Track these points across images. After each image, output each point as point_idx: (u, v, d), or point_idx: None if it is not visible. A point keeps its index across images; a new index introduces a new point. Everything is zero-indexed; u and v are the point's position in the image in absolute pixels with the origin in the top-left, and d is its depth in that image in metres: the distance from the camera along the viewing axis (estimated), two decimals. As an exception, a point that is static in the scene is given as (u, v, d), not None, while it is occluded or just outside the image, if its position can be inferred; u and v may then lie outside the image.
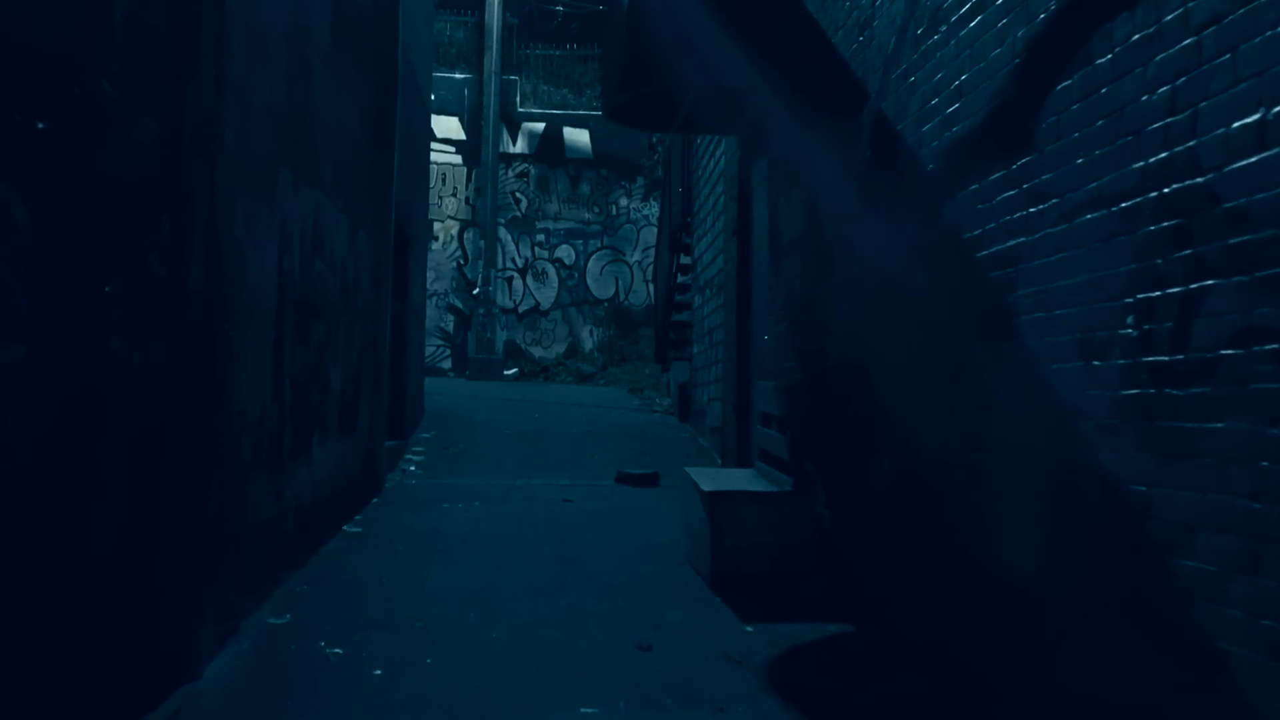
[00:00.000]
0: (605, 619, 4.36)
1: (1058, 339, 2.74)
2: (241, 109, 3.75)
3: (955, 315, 3.47)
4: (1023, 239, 2.98)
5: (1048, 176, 2.84)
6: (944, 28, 3.61)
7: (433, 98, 16.59)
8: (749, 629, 4.23)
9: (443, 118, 17.04)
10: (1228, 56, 2.18)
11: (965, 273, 3.35)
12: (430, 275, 16.86)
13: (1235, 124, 2.16)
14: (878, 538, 4.26)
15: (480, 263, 16.91)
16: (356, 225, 6.31)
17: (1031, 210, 2.93)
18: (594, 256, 17.42)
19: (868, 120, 4.22)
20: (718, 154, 9.31)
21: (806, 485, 4.84)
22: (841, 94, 4.71)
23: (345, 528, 6.08)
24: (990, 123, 3.20)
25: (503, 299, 17.16)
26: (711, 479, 5.26)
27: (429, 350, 16.78)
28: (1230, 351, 2.15)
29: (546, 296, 17.32)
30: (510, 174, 17.30)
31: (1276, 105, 2.06)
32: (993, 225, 3.17)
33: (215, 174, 3.44)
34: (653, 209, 17.39)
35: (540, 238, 17.33)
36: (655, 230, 17.25)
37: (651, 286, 17.22)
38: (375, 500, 7.05)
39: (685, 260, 12.52)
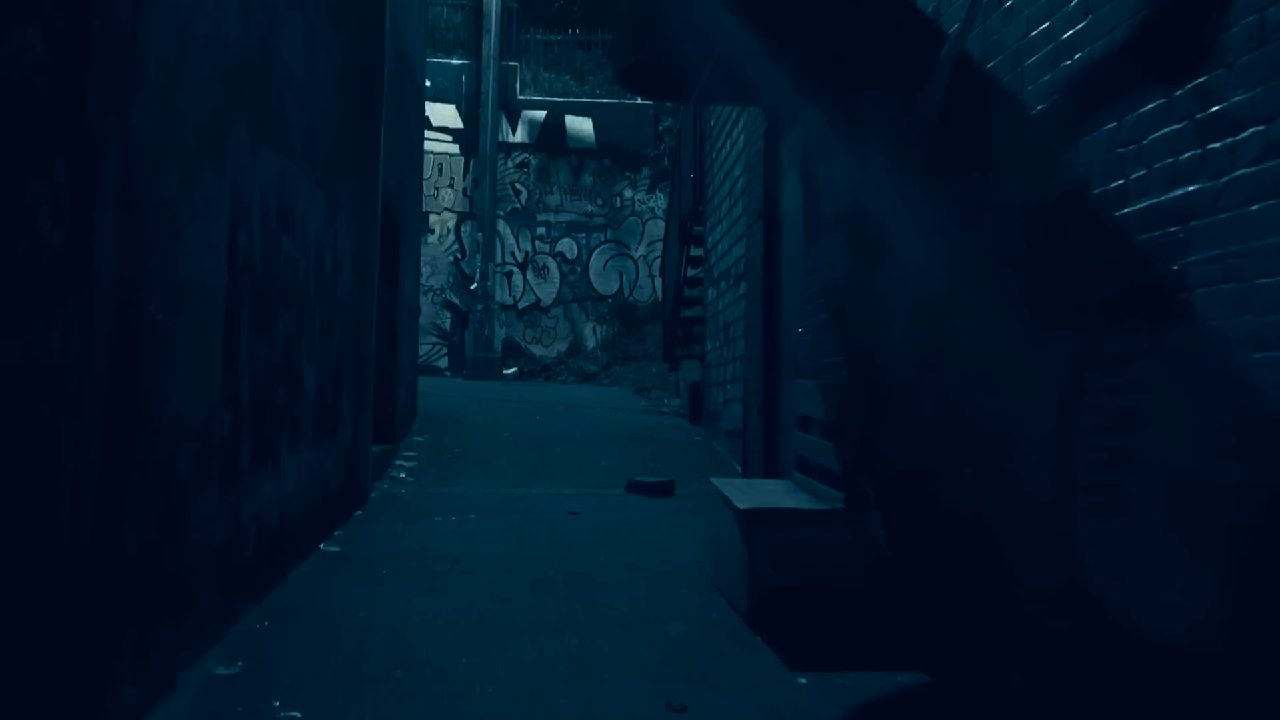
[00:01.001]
0: (625, 666, 3.61)
1: (1263, 318, 2.01)
2: (173, 36, 3.00)
3: (1079, 294, 2.73)
4: (1197, 186, 2.24)
5: (1240, 98, 2.10)
6: (1054, -66, 2.87)
7: (428, 84, 15.84)
8: (801, 680, 3.48)
9: (439, 105, 16.28)
10: None
11: (1097, 238, 2.62)
12: (426, 270, 16.11)
13: None
14: (953, 566, 3.52)
15: (478, 257, 16.15)
16: (335, 204, 5.57)
17: (1212, 147, 2.19)
18: (597, 250, 16.66)
19: (946, 63, 3.47)
20: (735, 134, 8.57)
21: (860, 502, 4.10)
22: (903, 38, 3.97)
23: (322, 546, 5.34)
24: (1138, 39, 2.46)
25: (501, 295, 16.40)
26: (744, 493, 4.52)
27: (424, 348, 16.02)
28: None
29: (547, 292, 16.57)
30: (509, 164, 16.55)
31: None
32: (1143, 173, 2.43)
33: (132, 112, 2.69)
34: (659, 201, 16.64)
35: (541, 231, 16.57)
36: (661, 223, 16.51)
37: (658, 281, 16.47)
38: (359, 513, 6.30)
39: (696, 252, 11.77)
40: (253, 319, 3.96)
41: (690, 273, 11.91)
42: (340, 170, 5.67)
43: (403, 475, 7.78)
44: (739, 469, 8.02)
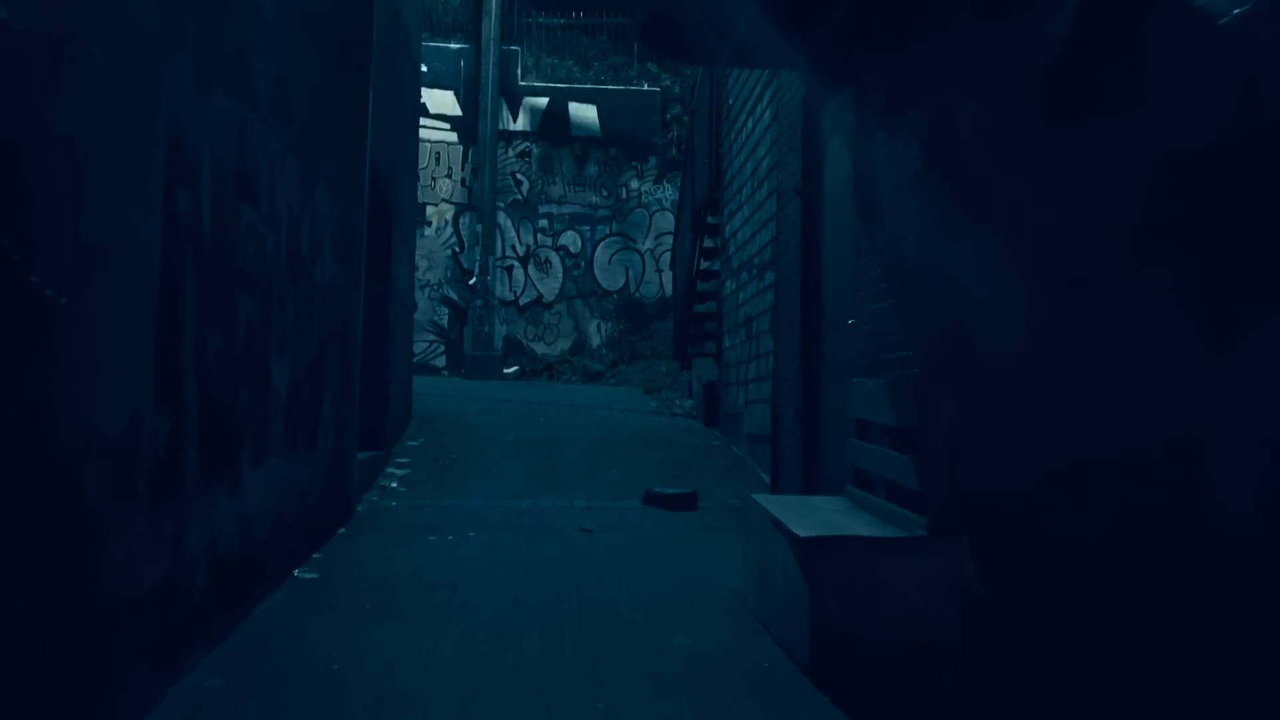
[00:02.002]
0: (666, 741, 2.86)
1: None
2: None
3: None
4: None
5: None
6: None
7: (425, 69, 15.10)
8: (892, 763, 2.73)
9: (436, 91, 15.53)
10: None
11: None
12: (423, 264, 15.35)
13: None
14: (1077, 616, 2.76)
15: (477, 250, 15.38)
16: (314, 175, 4.81)
17: None
18: (602, 244, 15.89)
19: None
20: (760, 110, 7.82)
21: (949, 528, 3.34)
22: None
23: (297, 573, 4.58)
24: None
25: (502, 290, 15.64)
26: (798, 514, 3.76)
27: (420, 346, 15.27)
28: None
29: (550, 287, 15.80)
30: (510, 153, 15.78)
31: None
32: None
33: (-4, 0, 1.93)
34: (666, 192, 15.88)
35: (543, 223, 15.81)
36: (669, 215, 15.76)
37: (665, 276, 15.71)
38: (342, 531, 5.54)
39: (710, 244, 11.03)
40: (201, 302, 3.20)
41: (704, 265, 11.17)
42: (320, 136, 4.91)
43: (394, 485, 7.02)
44: (765, 478, 7.27)
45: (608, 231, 15.91)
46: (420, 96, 10.96)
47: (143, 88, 2.69)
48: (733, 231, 9.06)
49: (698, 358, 11.65)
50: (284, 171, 4.25)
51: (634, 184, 15.95)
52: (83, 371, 2.36)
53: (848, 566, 3.31)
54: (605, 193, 15.90)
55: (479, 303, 15.19)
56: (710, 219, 10.70)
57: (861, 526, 3.57)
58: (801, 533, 3.40)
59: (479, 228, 15.40)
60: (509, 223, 15.74)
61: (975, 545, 3.39)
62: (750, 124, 8.24)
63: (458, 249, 15.64)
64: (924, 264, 3.83)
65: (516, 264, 15.75)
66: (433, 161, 15.61)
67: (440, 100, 15.59)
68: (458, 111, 15.63)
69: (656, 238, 15.92)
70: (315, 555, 4.94)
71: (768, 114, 7.60)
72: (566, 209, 15.84)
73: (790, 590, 3.51)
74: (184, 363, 3.08)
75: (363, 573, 4.68)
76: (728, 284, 9.36)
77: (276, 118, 4.06)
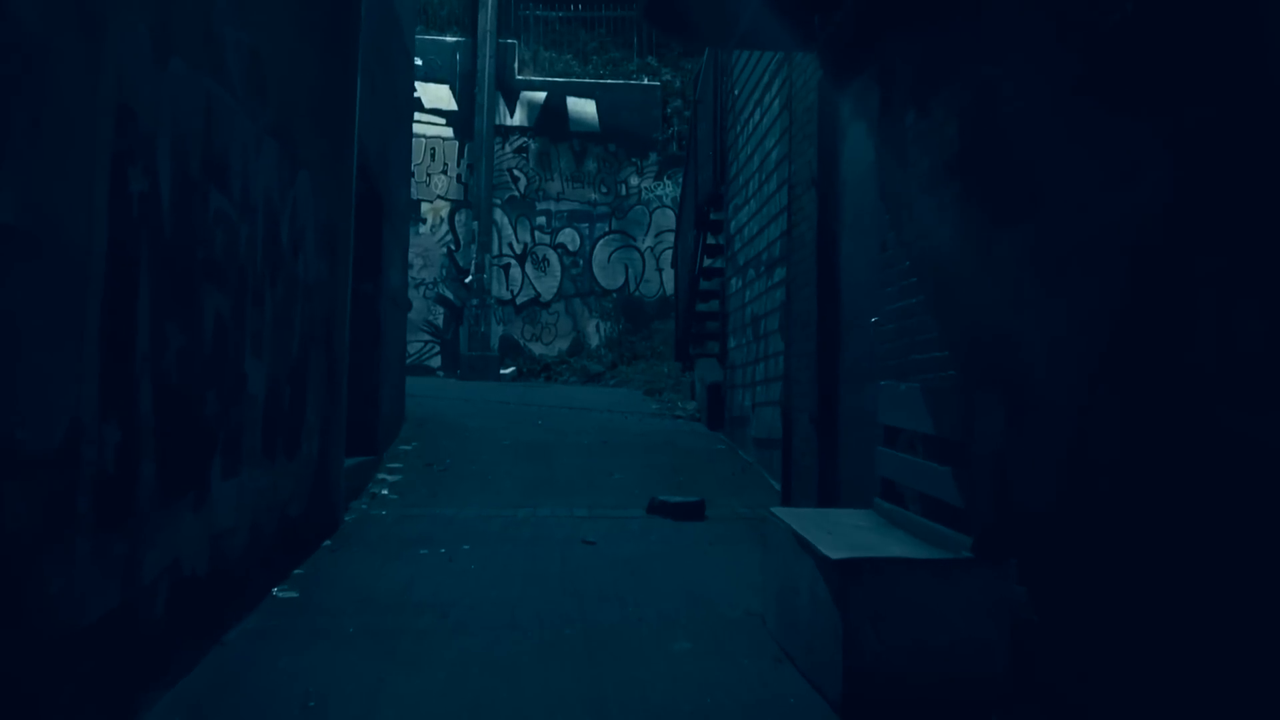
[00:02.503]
0: (685, 796, 2.50)
1: None
2: None
3: None
4: None
5: None
6: None
7: (419, 62, 14.74)
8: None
9: (431, 85, 15.17)
10: None
11: None
12: (417, 262, 15.00)
13: None
14: (1149, 651, 2.41)
15: (473, 248, 15.00)
16: (295, 161, 4.45)
17: None
18: (601, 242, 15.53)
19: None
20: (768, 100, 7.48)
21: (996, 549, 2.99)
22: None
23: (276, 591, 4.22)
24: None
25: (499, 289, 15.27)
26: (823, 530, 3.41)
27: (415, 346, 14.90)
28: None
29: (548, 286, 15.43)
30: (507, 149, 15.41)
31: None
32: None
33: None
34: (667, 189, 15.52)
35: (541, 220, 15.44)
36: (670, 212, 15.41)
37: (666, 274, 15.37)
38: (327, 544, 5.18)
39: (713, 241, 10.68)
40: (159, 295, 2.84)
41: (707, 263, 10.82)
42: (301, 119, 4.55)
43: (385, 492, 6.66)
44: (775, 485, 6.92)
45: (607, 229, 15.55)
46: (414, 88, 10.59)
47: (81, 47, 2.33)
48: (738, 227, 8.71)
49: (700, 358, 11.30)
50: (260, 156, 3.89)
51: (634, 180, 15.59)
52: (5, 376, 2.00)
53: (884, 592, 2.96)
54: (604, 189, 15.54)
55: (475, 302, 14.82)
56: (714, 215, 10.36)
57: (896, 546, 3.22)
58: (832, 554, 3.05)
59: (475, 225, 15.03)
60: (506, 220, 15.38)
61: (1025, 567, 3.04)
62: (758, 114, 7.89)
63: (453, 247, 15.27)
64: (963, 257, 3.48)
65: (513, 262, 15.39)
66: (428, 157, 15.25)
67: (435, 94, 15.23)
68: (453, 106, 15.26)
69: (657, 235, 15.56)
70: (297, 571, 4.58)
71: (777, 103, 7.25)
72: (565, 206, 15.48)
73: (818, 617, 3.16)
74: (138, 365, 2.72)
75: (347, 591, 4.32)
76: (733, 282, 9.01)
77: (250, 95, 3.70)
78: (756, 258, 7.85)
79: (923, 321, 3.82)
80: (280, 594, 4.21)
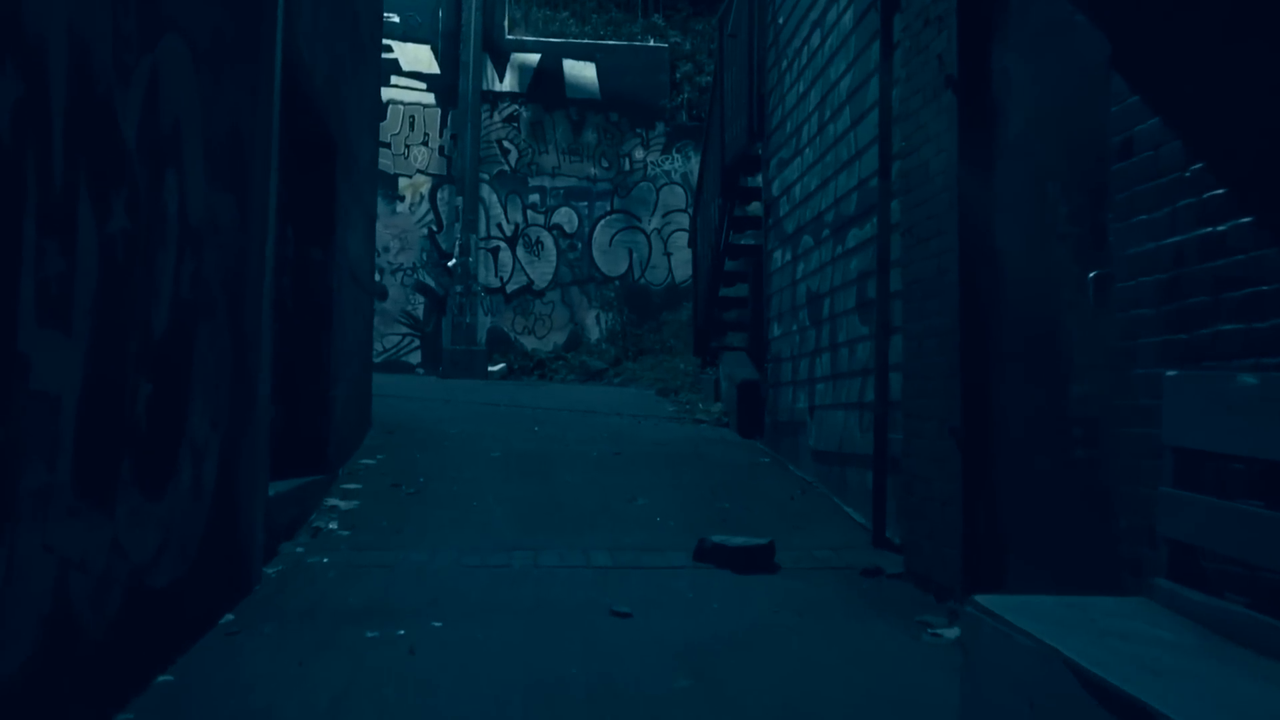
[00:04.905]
0: None
1: None
2: None
3: None
4: None
5: None
6: None
7: (396, 19, 13.00)
8: None
9: (410, 45, 13.42)
10: None
11: None
12: (394, 244, 13.25)
13: None
14: None
15: (457, 228, 13.22)
16: (158, 20, 2.71)
17: None
18: (602, 222, 13.76)
19: None
20: (835, 12, 5.77)
21: None
22: None
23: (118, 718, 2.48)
24: None
25: (486, 275, 13.49)
26: (1132, 661, 1.70)
27: (391, 340, 13.15)
28: None
29: (542, 273, 13.65)
30: (496, 117, 13.64)
31: None
32: None
33: None
34: (676, 163, 13.80)
35: (534, 198, 13.66)
36: (679, 190, 13.70)
37: (675, 259, 13.65)
38: (228, 618, 3.43)
39: (741, 213, 8.97)
40: None
41: (734, 238, 9.10)
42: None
43: (333, 526, 4.92)
44: (857, 517, 5.20)
45: (608, 208, 13.79)
46: (382, 19, 8.81)
47: None
48: (785, 186, 6.99)
49: (724, 352, 9.58)
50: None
51: (638, 154, 13.84)
52: None
53: None
54: (605, 164, 13.79)
55: (459, 289, 13.03)
56: (748, 181, 8.64)
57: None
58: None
59: (459, 202, 13.24)
60: (494, 197, 13.61)
61: None
62: (817, 37, 6.18)
63: (435, 228, 13.49)
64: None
65: (503, 245, 13.61)
66: (406, 126, 13.49)
67: (415, 55, 13.47)
68: (435, 69, 13.49)
69: (665, 215, 13.82)
70: (161, 679, 2.84)
71: (849, 14, 5.54)
72: (561, 182, 13.71)
73: None
74: None
75: (232, 724, 2.58)
76: (776, 256, 7.29)
77: None
78: (817, 220, 6.14)
79: (1258, 261, 2.10)
80: (116, 731, 2.47)
